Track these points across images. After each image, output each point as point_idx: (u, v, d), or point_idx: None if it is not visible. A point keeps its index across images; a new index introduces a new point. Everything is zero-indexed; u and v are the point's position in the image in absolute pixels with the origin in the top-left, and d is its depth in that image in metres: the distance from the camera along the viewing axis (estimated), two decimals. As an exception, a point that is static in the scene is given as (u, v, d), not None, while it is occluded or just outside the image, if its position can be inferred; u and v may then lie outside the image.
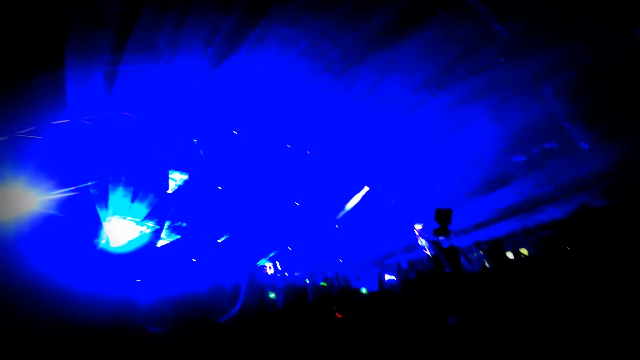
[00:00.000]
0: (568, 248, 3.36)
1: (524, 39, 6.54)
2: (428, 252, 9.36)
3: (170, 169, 10.27)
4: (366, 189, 12.11)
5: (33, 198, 5.75)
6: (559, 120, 7.38)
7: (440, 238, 6.88)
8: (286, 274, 10.77)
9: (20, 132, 5.23)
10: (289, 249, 12.19)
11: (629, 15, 5.66)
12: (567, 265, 2.98)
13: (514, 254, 5.94)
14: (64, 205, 6.46)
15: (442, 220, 6.21)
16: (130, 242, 9.54)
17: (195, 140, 10.20)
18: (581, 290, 2.32)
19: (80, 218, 7.26)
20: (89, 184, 7.63)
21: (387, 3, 6.51)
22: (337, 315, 3.48)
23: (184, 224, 10.86)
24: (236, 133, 9.98)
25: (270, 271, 11.06)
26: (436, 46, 7.17)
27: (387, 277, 9.18)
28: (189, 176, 10.62)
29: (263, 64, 7.65)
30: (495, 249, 4.57)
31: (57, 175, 6.35)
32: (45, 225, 5.74)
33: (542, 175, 7.81)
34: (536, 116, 7.52)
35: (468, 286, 2.95)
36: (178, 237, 10.58)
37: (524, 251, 6.41)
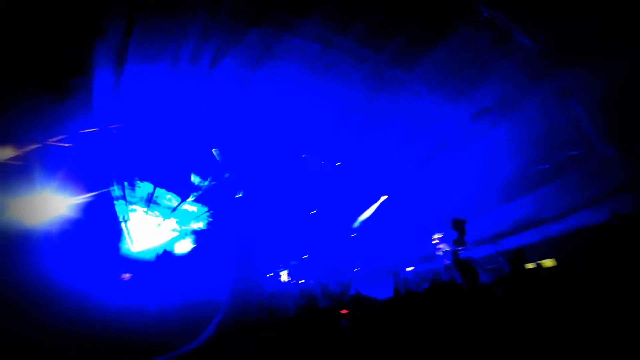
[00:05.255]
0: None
1: (549, 55, 6.40)
2: (446, 262, 9.09)
3: (191, 173, 10.58)
4: (384, 197, 11.99)
5: (61, 203, 6.10)
6: (584, 132, 7.10)
7: (458, 248, 6.69)
8: (302, 281, 10.74)
9: (52, 140, 5.62)
10: (305, 257, 12.17)
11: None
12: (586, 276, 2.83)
13: (536, 265, 5.66)
14: (90, 209, 6.79)
15: (458, 230, 6.06)
16: (152, 248, 9.86)
17: (215, 150, 10.49)
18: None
19: (105, 222, 7.60)
20: (114, 187, 7.99)
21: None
22: (346, 316, 3.47)
23: (204, 227, 11.15)
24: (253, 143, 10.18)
25: (285, 279, 11.06)
26: (458, 58, 7.16)
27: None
28: (209, 183, 10.91)
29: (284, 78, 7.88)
30: (516, 258, 4.44)
31: (85, 181, 6.71)
32: (72, 229, 6.05)
33: (565, 184, 7.46)
34: (561, 127, 7.27)
35: (474, 298, 2.86)
36: (194, 245, 10.84)
37: (547, 262, 6.08)
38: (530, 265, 5.56)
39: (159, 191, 10.21)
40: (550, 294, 2.61)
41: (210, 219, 11.50)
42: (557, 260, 6.01)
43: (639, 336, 1.80)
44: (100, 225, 7.13)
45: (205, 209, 11.35)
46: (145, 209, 10.10)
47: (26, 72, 4.24)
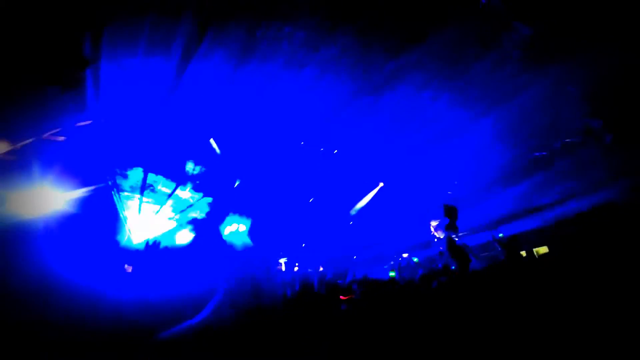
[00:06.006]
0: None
1: (545, 44, 6.34)
2: (441, 249, 9.25)
3: (187, 161, 10.53)
4: (380, 185, 12.04)
5: (59, 196, 6.09)
6: (580, 119, 7.12)
7: (452, 234, 6.77)
8: (296, 268, 10.90)
9: (46, 134, 5.57)
10: (303, 245, 12.30)
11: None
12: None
13: (528, 253, 5.78)
14: (89, 202, 6.79)
15: (450, 216, 6.11)
16: (151, 238, 9.89)
17: (212, 140, 10.41)
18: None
19: (104, 214, 7.62)
20: (111, 178, 7.96)
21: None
22: (345, 302, 3.57)
23: (202, 216, 11.20)
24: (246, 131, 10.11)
25: (283, 267, 11.22)
26: (454, 48, 7.09)
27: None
28: (206, 172, 10.88)
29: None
30: (511, 244, 4.54)
31: (82, 173, 6.70)
32: (69, 223, 6.06)
33: (563, 170, 7.53)
34: (556, 114, 7.28)
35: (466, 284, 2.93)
36: (193, 234, 10.90)
37: (541, 250, 6.19)
38: (523, 253, 5.68)
39: (154, 178, 10.17)
40: (543, 282, 2.67)
41: (208, 208, 11.54)
42: (550, 247, 6.13)
43: (634, 329, 1.82)
44: (98, 217, 7.15)
45: (201, 195, 11.35)
46: (140, 197, 10.07)
47: (24, 65, 4.19)
